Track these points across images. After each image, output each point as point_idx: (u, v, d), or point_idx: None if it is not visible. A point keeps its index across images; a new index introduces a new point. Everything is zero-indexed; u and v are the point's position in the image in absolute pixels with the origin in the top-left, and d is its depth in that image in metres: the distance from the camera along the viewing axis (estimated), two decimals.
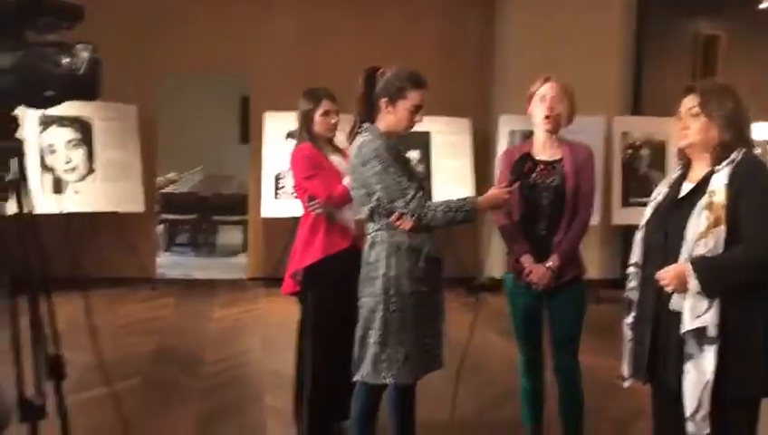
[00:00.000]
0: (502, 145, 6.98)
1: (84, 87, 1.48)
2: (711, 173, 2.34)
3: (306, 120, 3.41)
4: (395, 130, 2.79)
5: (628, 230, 4.89)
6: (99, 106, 6.33)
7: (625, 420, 3.90)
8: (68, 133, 6.50)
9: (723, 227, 2.25)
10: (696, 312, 2.26)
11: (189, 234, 9.56)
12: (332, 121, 3.42)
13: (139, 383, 4.25)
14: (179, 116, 10.54)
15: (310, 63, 7.32)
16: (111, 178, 6.68)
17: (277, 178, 6.94)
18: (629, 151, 7.00)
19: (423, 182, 2.79)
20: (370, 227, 2.79)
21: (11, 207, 1.69)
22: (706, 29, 7.86)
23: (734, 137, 2.34)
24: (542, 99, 2.97)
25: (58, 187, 6.40)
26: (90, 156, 6.60)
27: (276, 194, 6.94)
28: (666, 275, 2.30)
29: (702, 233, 2.27)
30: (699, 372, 2.26)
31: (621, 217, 6.81)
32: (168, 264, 8.14)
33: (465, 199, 2.74)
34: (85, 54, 1.46)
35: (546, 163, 2.98)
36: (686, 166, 2.51)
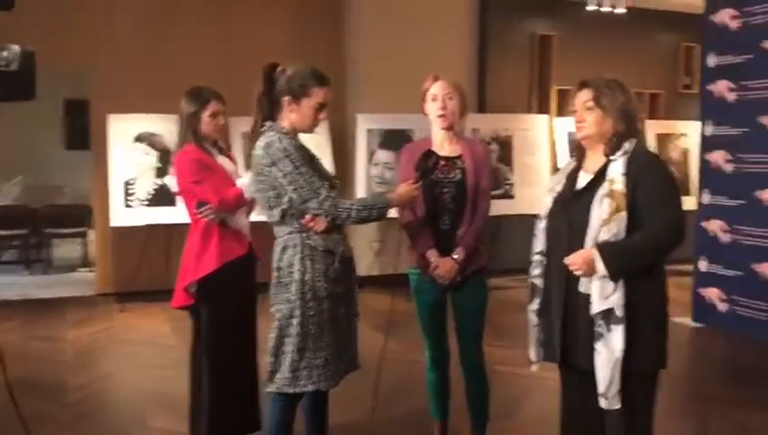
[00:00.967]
0: (361, 144, 7.04)
1: (17, 85, 1.27)
2: (608, 163, 2.49)
3: (192, 122, 3.20)
4: (299, 129, 2.71)
5: None
6: None
7: (511, 402, 4.09)
8: None
9: (624, 214, 2.40)
10: (603, 293, 2.39)
11: (19, 250, 8.68)
12: (221, 123, 3.25)
13: None
14: None
15: (155, 64, 6.95)
16: None
17: (127, 185, 6.51)
18: None
19: (333, 181, 2.72)
20: (282, 229, 2.68)
21: None
22: (542, 29, 8.40)
23: (626, 128, 2.50)
24: (434, 97, 3.02)
25: None
26: None
27: (127, 202, 6.50)
28: (575, 260, 2.41)
29: (605, 220, 2.40)
30: (609, 351, 2.40)
31: None
32: (1, 283, 7.34)
33: (377, 197, 2.72)
34: (16, 49, 1.26)
35: (447, 159, 3.03)
36: (581, 157, 2.65)
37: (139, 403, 4.16)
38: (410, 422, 3.67)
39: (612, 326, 2.39)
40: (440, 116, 3.02)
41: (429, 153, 2.94)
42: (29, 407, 3.99)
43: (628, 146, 2.48)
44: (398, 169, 3.18)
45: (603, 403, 2.43)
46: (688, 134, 8.15)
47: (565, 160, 7.67)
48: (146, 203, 6.54)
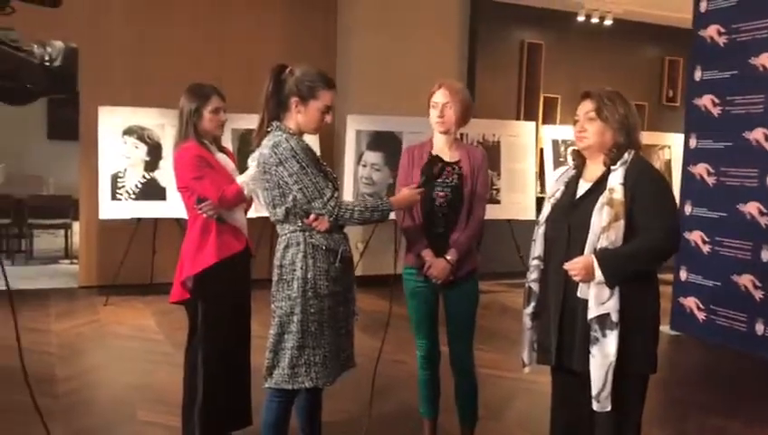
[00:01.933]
0: (349, 145, 7.09)
1: (61, 80, 1.31)
2: (608, 172, 2.57)
3: (193, 118, 3.22)
4: (305, 130, 2.76)
5: None
6: None
7: (499, 404, 4.16)
8: None
9: (622, 222, 2.48)
10: (599, 299, 2.47)
11: (1, 240, 8.61)
12: (222, 119, 3.28)
13: None
14: None
15: (146, 58, 6.95)
16: None
17: (115, 178, 6.49)
18: None
19: (336, 182, 2.77)
20: (285, 228, 2.72)
21: None
22: (530, 37, 8.52)
23: (626, 139, 2.58)
24: (434, 105, 3.08)
25: None
26: None
27: (114, 195, 6.48)
28: (575, 266, 2.48)
29: (605, 227, 2.48)
30: (603, 355, 2.47)
31: None
32: None
33: (380, 199, 2.77)
34: (59, 44, 1.29)
35: (448, 164, 3.09)
36: (581, 166, 2.73)
37: (127, 396, 4.16)
38: (400, 420, 3.73)
39: (607, 331, 2.46)
40: (438, 122, 3.09)
41: (435, 159, 3.00)
42: (17, 398, 3.99)
43: (627, 156, 2.55)
44: (399, 170, 3.23)
45: (595, 405, 2.50)
46: (671, 146, 8.31)
47: (551, 167, 7.82)
48: (133, 197, 6.53)
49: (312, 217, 2.66)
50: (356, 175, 7.12)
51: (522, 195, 7.61)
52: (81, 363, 4.79)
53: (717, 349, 5.57)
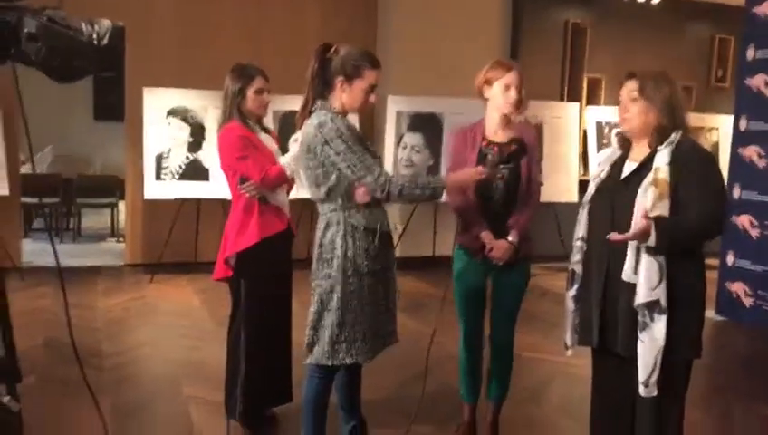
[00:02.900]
0: (389, 126, 7.08)
1: (108, 59, 1.33)
2: (653, 153, 2.52)
3: (236, 98, 3.25)
4: (349, 109, 2.76)
5: None
6: None
7: (537, 387, 4.15)
8: None
9: (667, 202, 2.43)
10: (650, 284, 2.42)
11: (50, 218, 8.84)
12: (266, 100, 3.30)
13: (36, 382, 3.90)
14: (26, 92, 9.61)
15: (189, 40, 7.03)
16: None
17: (159, 159, 6.60)
18: None
19: (381, 160, 2.76)
20: (326, 207, 2.73)
21: None
22: (574, 17, 8.37)
23: (670, 120, 2.51)
24: (507, 87, 3.04)
25: None
26: None
27: (159, 175, 6.60)
28: (629, 234, 2.39)
29: (650, 207, 2.43)
30: (652, 340, 2.43)
31: None
32: (33, 251, 7.49)
33: (433, 177, 2.74)
34: (107, 23, 1.31)
35: (501, 145, 3.07)
36: (626, 147, 2.68)
37: (172, 372, 4.26)
38: (438, 402, 3.74)
39: (656, 316, 2.42)
40: (514, 103, 3.06)
41: (514, 142, 3.00)
42: (65, 370, 4.14)
43: (674, 136, 2.49)
44: (447, 152, 3.22)
45: (643, 391, 2.47)
46: (719, 128, 8.10)
47: (595, 149, 7.70)
48: (177, 177, 6.63)
49: (362, 190, 2.66)
50: (396, 157, 7.11)
51: (564, 177, 7.51)
52: (127, 339, 4.92)
53: (764, 335, 5.45)
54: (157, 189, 6.59)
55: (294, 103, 6.69)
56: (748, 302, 5.72)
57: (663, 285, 2.42)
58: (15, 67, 1.38)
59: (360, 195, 2.66)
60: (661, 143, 2.50)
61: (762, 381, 4.46)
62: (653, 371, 2.44)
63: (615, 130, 2.76)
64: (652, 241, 2.37)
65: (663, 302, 2.41)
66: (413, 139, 7.19)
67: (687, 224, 2.41)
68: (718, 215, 2.48)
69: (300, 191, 3.30)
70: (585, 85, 8.48)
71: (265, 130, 3.44)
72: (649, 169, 2.48)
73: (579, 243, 2.68)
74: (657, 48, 8.36)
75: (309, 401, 2.83)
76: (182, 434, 3.43)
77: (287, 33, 7.22)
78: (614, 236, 2.39)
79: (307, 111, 2.74)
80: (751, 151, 5.73)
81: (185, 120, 6.69)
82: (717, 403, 4.06)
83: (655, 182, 2.44)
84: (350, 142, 2.62)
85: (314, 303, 2.75)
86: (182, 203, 6.60)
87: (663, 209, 2.42)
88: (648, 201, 2.43)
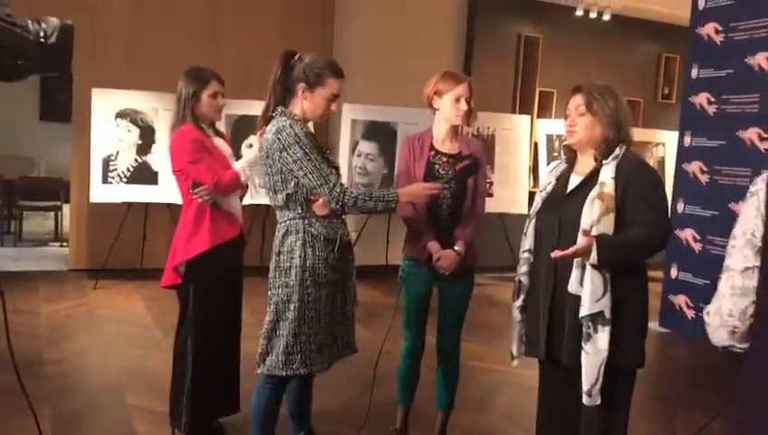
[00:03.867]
0: (344, 134, 7.07)
1: (55, 58, 1.29)
2: (599, 167, 2.56)
3: (191, 101, 3.20)
4: (310, 117, 2.74)
5: None
6: None
7: (483, 396, 4.18)
8: None
9: (612, 215, 2.48)
10: (594, 296, 2.46)
11: None
12: (221, 103, 3.25)
13: None
14: None
15: (140, 41, 6.89)
16: None
17: (107, 162, 6.45)
18: None
19: (338, 169, 2.75)
20: (285, 215, 2.71)
21: None
22: (528, 31, 8.51)
23: (616, 134, 2.57)
24: (458, 99, 3.06)
25: None
26: None
27: (105, 178, 6.44)
28: (570, 251, 2.43)
29: (595, 220, 2.48)
30: (595, 351, 2.48)
31: None
32: None
33: (387, 190, 2.75)
34: (55, 21, 1.27)
35: (447, 156, 3.09)
36: (572, 160, 2.72)
37: (115, 380, 4.15)
38: (387, 412, 3.72)
39: (599, 327, 2.46)
40: (462, 115, 3.08)
41: (468, 158, 3.01)
42: (6, 379, 3.97)
43: (618, 151, 2.55)
44: (398, 159, 3.22)
45: (586, 400, 2.51)
46: (665, 143, 8.32)
47: (545, 161, 7.82)
48: (125, 180, 6.49)
49: (320, 200, 2.64)
50: (350, 164, 7.10)
51: (514, 188, 7.60)
52: (69, 347, 4.77)
53: (705, 347, 5.58)
54: (103, 193, 6.43)
55: (248, 108, 6.64)
56: (690, 314, 5.87)
57: (607, 297, 2.46)
58: None
59: (319, 206, 2.65)
60: (606, 157, 2.55)
61: (702, 392, 4.58)
62: (596, 381, 2.48)
63: (563, 143, 2.81)
64: (594, 259, 2.41)
65: (607, 313, 2.46)
66: (368, 147, 7.19)
67: (630, 241, 2.46)
68: (661, 232, 2.54)
69: (254, 197, 3.26)
70: (537, 98, 8.62)
71: (219, 133, 3.39)
72: (594, 183, 2.53)
73: (526, 254, 2.72)
74: (607, 64, 8.55)
75: (259, 411, 2.79)
76: None
77: (242, 37, 7.16)
78: (557, 252, 2.43)
79: (268, 116, 2.71)
80: (694, 167, 5.90)
81: (134, 122, 6.55)
82: (660, 412, 4.15)
83: (600, 196, 2.49)
84: (307, 150, 2.60)
85: (270, 312, 2.72)
86: (129, 207, 6.46)
87: (608, 223, 2.47)
88: (594, 214, 2.47)
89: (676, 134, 6.32)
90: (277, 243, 2.72)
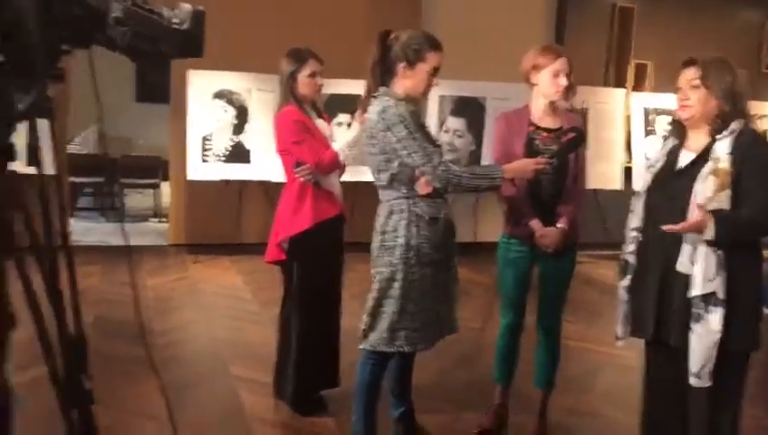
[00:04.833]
0: (432, 110, 7.03)
1: (190, 43, 1.34)
2: (713, 142, 2.46)
3: (290, 82, 3.26)
4: (413, 95, 2.74)
5: None
6: None
7: (585, 377, 4.12)
8: None
9: (728, 192, 2.38)
10: (707, 276, 2.38)
11: (95, 198, 9.00)
12: (318, 83, 3.30)
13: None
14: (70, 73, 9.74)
15: (236, 22, 7.04)
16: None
17: (204, 140, 6.66)
18: None
19: (441, 148, 2.75)
20: (389, 194, 2.73)
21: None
22: (622, 1, 8.21)
23: (732, 108, 2.46)
24: (557, 74, 3.00)
25: None
26: None
27: (203, 157, 6.66)
28: (685, 224, 2.37)
29: (710, 197, 2.39)
30: (707, 331, 2.40)
31: None
32: (79, 230, 7.64)
33: (491, 167, 2.73)
34: (187, 7, 1.32)
35: (548, 131, 3.04)
36: (682, 136, 2.62)
37: (219, 351, 4.32)
38: (478, 387, 3.74)
39: (712, 308, 2.39)
40: (564, 90, 3.02)
41: (573, 131, 2.96)
42: (117, 348, 4.22)
43: (735, 126, 2.44)
44: (493, 136, 3.18)
45: (694, 381, 2.44)
46: None
47: (640, 136, 7.56)
48: (222, 159, 6.69)
49: (422, 181, 2.65)
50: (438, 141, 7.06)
51: (609, 164, 7.39)
52: (175, 318, 5.00)
53: None
54: (201, 171, 6.66)
55: (338, 87, 6.66)
56: None
57: (721, 277, 2.38)
58: (92, 52, 1.39)
59: (422, 186, 2.66)
60: (721, 132, 2.45)
61: None
62: (707, 362, 2.41)
63: (670, 119, 2.71)
64: (711, 235, 2.33)
65: (720, 294, 2.38)
66: (456, 123, 7.14)
67: (746, 219, 2.37)
68: None
69: (352, 175, 3.30)
70: (632, 70, 8.33)
71: (320, 114, 3.44)
72: (707, 160, 2.43)
73: (633, 233, 2.65)
74: (705, 33, 8.17)
75: (362, 385, 2.84)
76: (233, 413, 3.48)
77: (332, 16, 7.20)
78: (669, 226, 2.36)
79: (369, 98, 2.73)
80: None
81: (230, 102, 6.73)
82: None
83: (715, 172, 2.40)
84: (411, 129, 2.61)
85: (374, 289, 2.75)
86: (226, 184, 6.66)
87: (724, 200, 2.38)
88: (708, 191, 2.39)
89: None
90: (381, 222, 2.74)
